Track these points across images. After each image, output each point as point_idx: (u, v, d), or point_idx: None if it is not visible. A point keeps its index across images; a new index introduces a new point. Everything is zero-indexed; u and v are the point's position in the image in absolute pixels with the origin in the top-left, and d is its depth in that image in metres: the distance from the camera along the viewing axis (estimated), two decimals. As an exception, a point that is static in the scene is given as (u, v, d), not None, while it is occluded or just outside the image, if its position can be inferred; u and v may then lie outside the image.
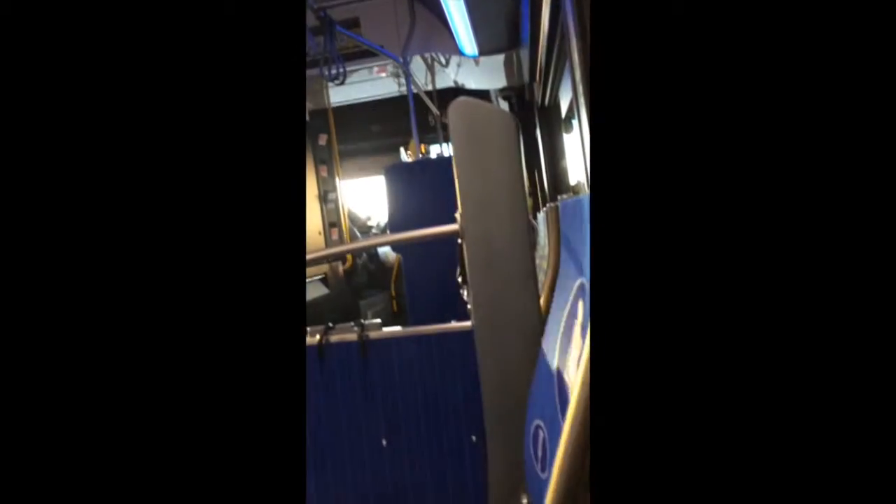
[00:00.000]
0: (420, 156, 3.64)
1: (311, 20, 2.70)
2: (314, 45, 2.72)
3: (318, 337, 1.50)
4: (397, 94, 3.99)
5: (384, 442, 1.46)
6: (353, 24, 3.04)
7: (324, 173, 3.91)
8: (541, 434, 0.87)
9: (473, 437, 1.39)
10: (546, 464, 0.78)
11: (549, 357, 0.93)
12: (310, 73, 2.94)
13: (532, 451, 0.92)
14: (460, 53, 3.01)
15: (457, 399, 1.40)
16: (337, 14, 2.81)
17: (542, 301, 1.12)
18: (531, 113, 2.96)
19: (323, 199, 3.86)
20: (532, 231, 1.23)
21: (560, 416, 0.71)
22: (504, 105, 3.29)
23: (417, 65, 3.57)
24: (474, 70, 3.29)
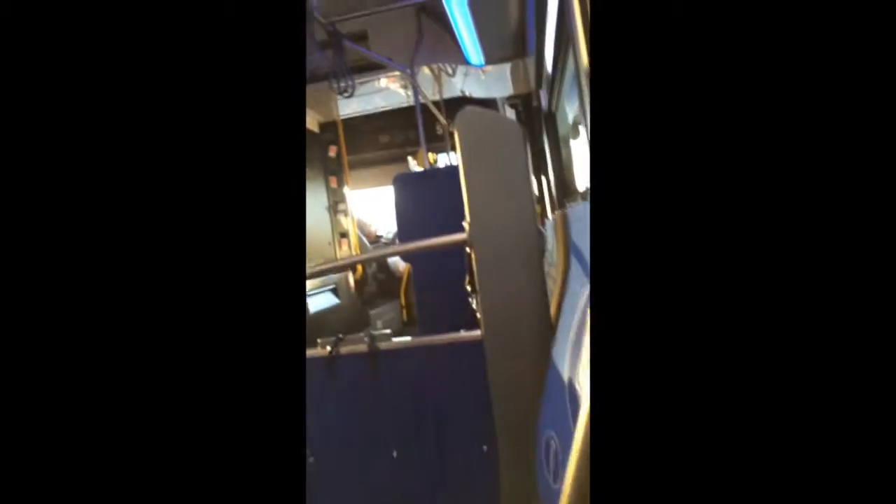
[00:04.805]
0: (428, 165, 3.65)
1: (320, 34, 2.73)
2: (323, 58, 2.75)
3: (328, 348, 1.50)
4: (405, 104, 4.02)
5: (395, 453, 1.45)
6: (360, 37, 3.06)
7: (334, 184, 3.94)
8: (553, 445, 0.86)
9: (485, 448, 1.38)
10: (558, 475, 0.77)
11: (559, 367, 0.92)
12: (319, 85, 2.96)
13: (544, 462, 0.91)
14: (467, 63, 3.02)
15: (467, 409, 1.39)
16: (345, 28, 2.84)
17: (551, 309, 1.11)
18: (538, 120, 2.96)
19: (333, 209, 3.89)
20: (540, 238, 1.22)
21: (572, 426, 0.70)
22: (511, 113, 3.29)
23: (424, 75, 3.59)
24: (481, 79, 3.31)
